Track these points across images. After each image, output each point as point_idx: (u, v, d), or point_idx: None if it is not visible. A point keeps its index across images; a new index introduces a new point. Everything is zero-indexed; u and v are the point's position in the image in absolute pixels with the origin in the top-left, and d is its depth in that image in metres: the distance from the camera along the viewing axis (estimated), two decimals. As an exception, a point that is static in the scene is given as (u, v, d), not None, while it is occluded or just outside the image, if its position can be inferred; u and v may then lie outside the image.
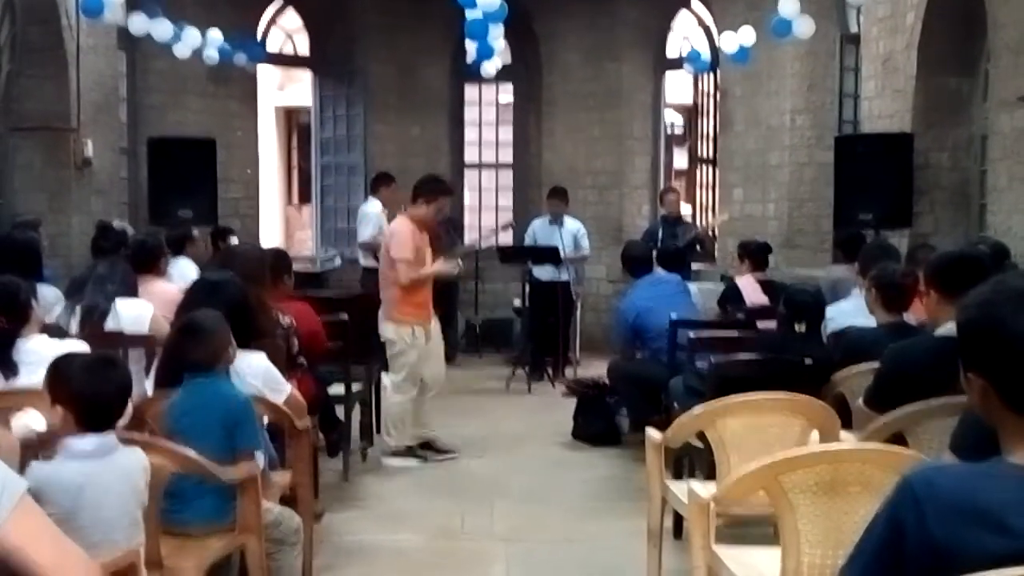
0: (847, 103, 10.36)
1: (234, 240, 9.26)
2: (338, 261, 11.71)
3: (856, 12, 9.79)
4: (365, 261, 10.37)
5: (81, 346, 4.16)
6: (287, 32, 13.46)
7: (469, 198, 13.71)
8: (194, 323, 3.93)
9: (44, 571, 1.83)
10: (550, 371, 9.90)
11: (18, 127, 8.69)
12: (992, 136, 7.35)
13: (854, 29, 10.00)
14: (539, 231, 10.37)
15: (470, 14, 8.52)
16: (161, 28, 9.44)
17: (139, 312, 5.35)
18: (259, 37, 12.55)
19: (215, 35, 10.30)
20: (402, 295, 6.88)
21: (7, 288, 4.11)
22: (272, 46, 13.15)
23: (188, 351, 3.86)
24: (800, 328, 5.02)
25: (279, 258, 5.90)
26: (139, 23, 9.31)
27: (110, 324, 5.38)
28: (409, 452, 7.03)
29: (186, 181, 9.85)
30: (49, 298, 5.36)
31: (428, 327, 7.03)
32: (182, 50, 9.89)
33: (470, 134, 13.56)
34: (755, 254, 8.07)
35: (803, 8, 9.03)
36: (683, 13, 12.82)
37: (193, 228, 8.99)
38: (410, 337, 6.90)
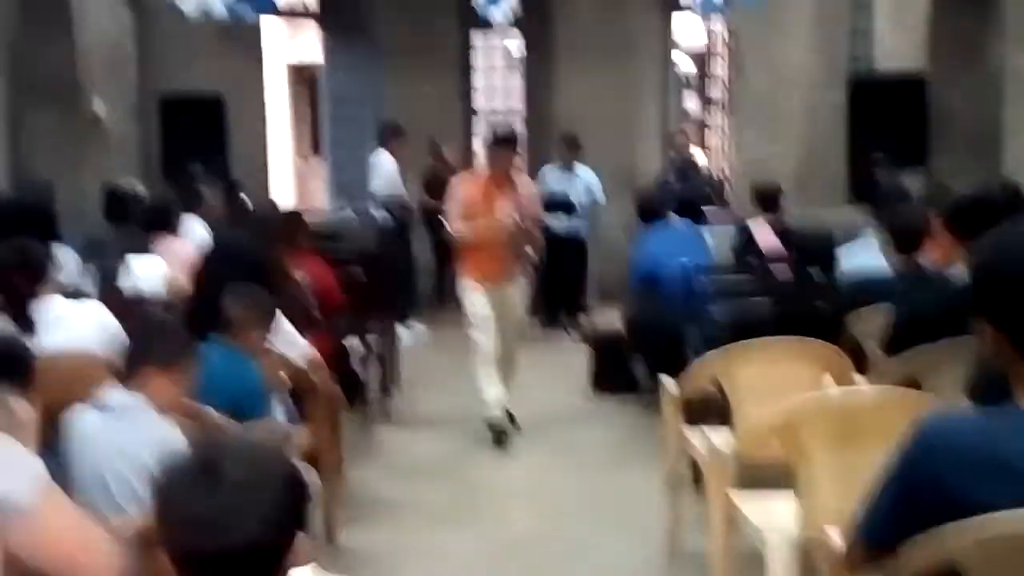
0: (860, 41, 10.23)
1: (244, 196, 9.24)
2: (351, 215, 11.70)
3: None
4: (378, 214, 10.32)
5: (100, 308, 4.20)
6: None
7: (479, 146, 13.65)
8: (243, 287, 3.93)
9: (71, 555, 1.85)
10: (565, 321, 9.92)
11: (27, 90, 8.67)
12: (1008, 74, 7.27)
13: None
14: (551, 179, 10.32)
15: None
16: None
17: (153, 270, 5.38)
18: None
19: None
20: (462, 248, 6.59)
21: (23, 249, 4.14)
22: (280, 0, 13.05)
23: (226, 302, 3.87)
24: (813, 273, 5.01)
25: (293, 220, 5.92)
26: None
27: (125, 283, 5.43)
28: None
29: (197, 138, 9.87)
30: (64, 260, 5.39)
31: (493, 289, 6.45)
32: (188, 6, 9.80)
33: (479, 82, 13.48)
34: (765, 197, 8.03)
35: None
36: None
37: (202, 186, 8.99)
38: (466, 289, 6.53)
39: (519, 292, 6.66)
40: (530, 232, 6.54)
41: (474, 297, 6.42)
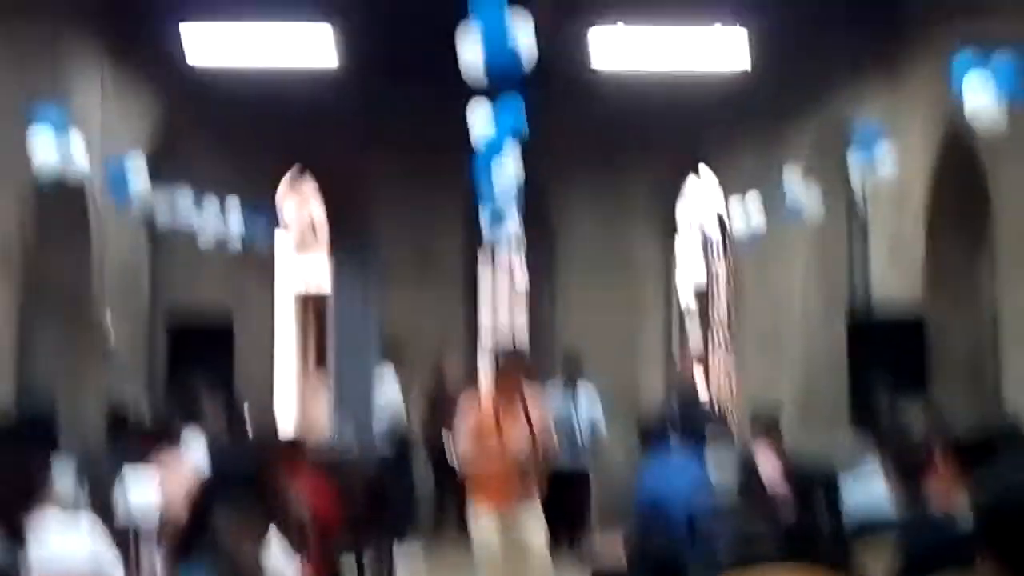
0: (858, 271, 10.43)
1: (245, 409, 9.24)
2: (351, 436, 11.64)
3: (863, 190, 9.98)
4: (381, 447, 10.27)
5: (91, 520, 4.15)
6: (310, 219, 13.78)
7: (484, 374, 13.74)
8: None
9: None
10: (568, 551, 9.73)
11: (39, 305, 8.79)
12: (1002, 312, 7.39)
13: (861, 207, 10.18)
14: (554, 401, 10.31)
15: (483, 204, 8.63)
16: (182, 203, 9.54)
17: (147, 491, 5.34)
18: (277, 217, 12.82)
19: (234, 218, 10.42)
20: (471, 473, 6.52)
21: (21, 461, 4.12)
22: (289, 215, 13.44)
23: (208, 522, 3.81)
24: (815, 508, 4.96)
25: (295, 448, 5.93)
26: (164, 210, 9.37)
27: (118, 496, 5.38)
28: None
29: (205, 361, 9.88)
30: (62, 473, 5.35)
31: (504, 515, 6.32)
32: (205, 237, 10.00)
33: (484, 313, 13.68)
34: (766, 428, 8.08)
35: (808, 181, 9.14)
36: (691, 178, 13.03)
37: (204, 400, 9.00)
38: (474, 520, 6.41)
39: (534, 517, 6.41)
40: (542, 457, 6.38)
41: (480, 523, 6.27)
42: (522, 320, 13.68)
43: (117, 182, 8.57)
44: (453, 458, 10.37)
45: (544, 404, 6.89)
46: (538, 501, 6.41)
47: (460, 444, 6.45)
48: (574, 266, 12.80)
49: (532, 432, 6.25)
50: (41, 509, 4.04)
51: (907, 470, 4.69)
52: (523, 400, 6.34)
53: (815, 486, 5.03)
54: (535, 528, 6.36)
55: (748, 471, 7.62)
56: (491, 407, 6.35)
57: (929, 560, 3.68)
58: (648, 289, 12.80)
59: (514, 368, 6.45)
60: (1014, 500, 1.80)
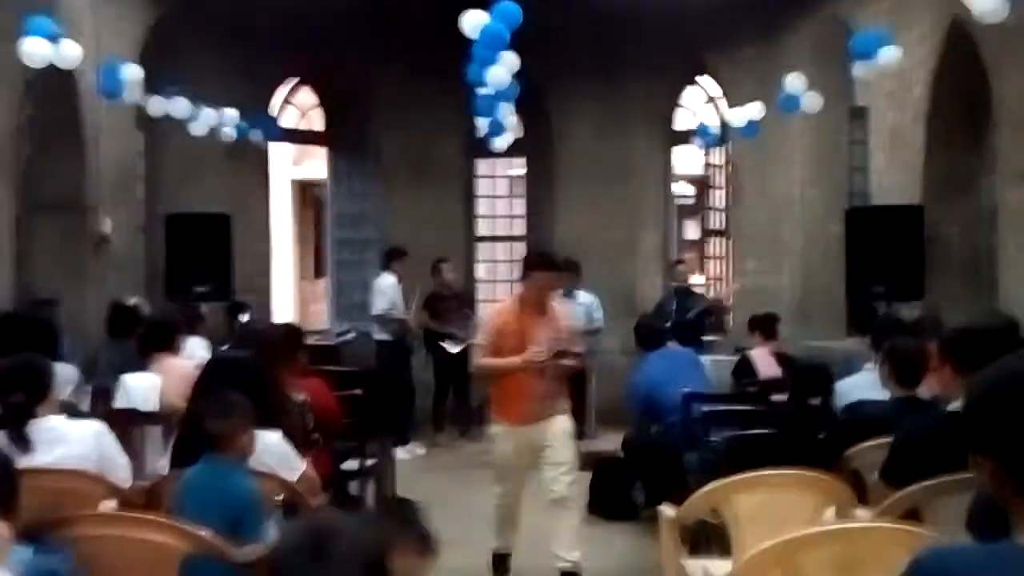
0: (857, 175, 10.43)
1: (244, 317, 9.32)
2: (352, 335, 11.76)
3: (863, 86, 9.89)
4: (379, 335, 10.43)
5: (99, 426, 4.20)
6: (302, 109, 13.66)
7: (481, 270, 13.80)
8: (216, 395, 3.96)
9: None
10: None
11: (37, 206, 8.80)
12: (1001, 208, 7.39)
13: (861, 102, 10.11)
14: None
15: (481, 91, 8.64)
16: (178, 107, 9.58)
17: (148, 386, 5.40)
18: (274, 114, 12.74)
19: (231, 113, 10.45)
20: (491, 387, 6.12)
21: (30, 365, 4.15)
22: (287, 122, 13.34)
23: (206, 422, 3.88)
24: (816, 402, 5.02)
25: (292, 334, 5.93)
26: (157, 104, 9.46)
27: (120, 400, 5.44)
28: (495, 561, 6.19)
29: (202, 257, 9.99)
30: (65, 376, 5.41)
31: (520, 433, 5.87)
32: (199, 128, 10.03)
33: (482, 208, 13.69)
34: (764, 325, 8.11)
35: (811, 82, 9.13)
36: (691, 88, 13.00)
37: (202, 305, 9.05)
38: (495, 436, 6.02)
39: (561, 430, 5.89)
40: (567, 366, 5.89)
41: (500, 445, 5.90)
42: (520, 223, 13.68)
43: (111, 85, 8.52)
44: (452, 356, 10.52)
45: (568, 312, 6.31)
46: (566, 417, 5.93)
47: (480, 353, 5.96)
48: (573, 171, 12.76)
49: (559, 341, 5.79)
50: (45, 412, 4.09)
51: (907, 373, 4.73)
52: (548, 309, 5.87)
53: (810, 387, 5.07)
54: (562, 441, 5.86)
55: (744, 370, 7.73)
56: (515, 317, 5.85)
57: (922, 458, 3.74)
58: (647, 193, 12.78)
59: (545, 270, 5.88)
60: (1006, 397, 1.82)
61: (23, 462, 3.80)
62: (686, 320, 9.91)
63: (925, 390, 4.82)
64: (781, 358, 7.85)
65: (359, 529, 2.03)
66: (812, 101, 9.16)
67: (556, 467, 5.78)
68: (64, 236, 8.96)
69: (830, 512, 4.01)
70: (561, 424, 5.87)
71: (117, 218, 9.56)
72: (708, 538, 5.08)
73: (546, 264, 5.92)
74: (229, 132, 10.48)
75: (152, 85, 9.47)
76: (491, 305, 6.81)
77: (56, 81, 8.43)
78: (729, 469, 4.28)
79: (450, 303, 10.79)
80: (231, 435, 3.86)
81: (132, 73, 8.58)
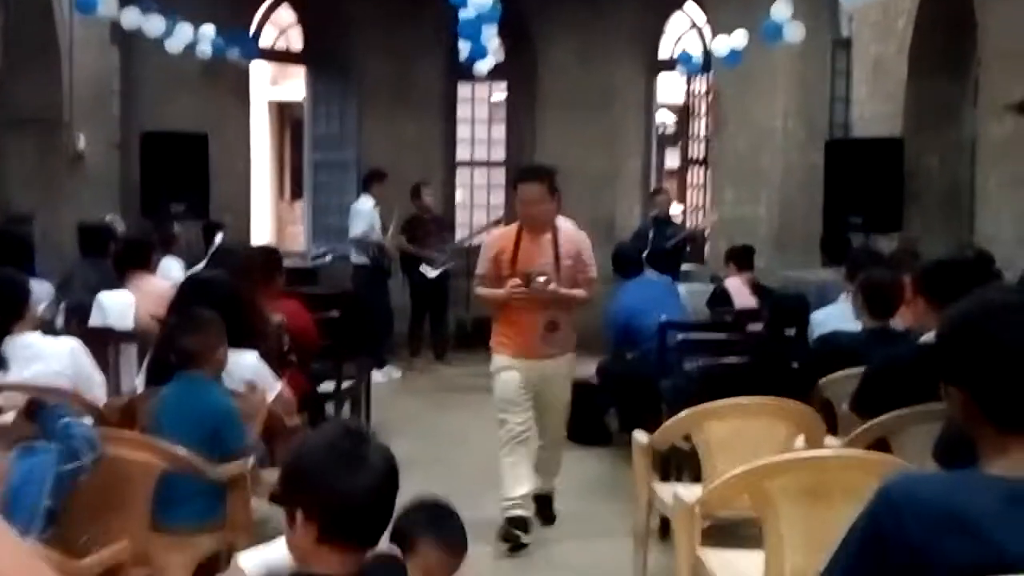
0: (839, 106, 10.40)
1: (220, 237, 9.27)
2: (329, 257, 11.74)
3: (848, 16, 9.83)
4: (356, 258, 10.41)
5: (75, 343, 4.19)
6: (281, 28, 13.46)
7: (461, 195, 13.75)
8: (187, 313, 3.96)
9: None
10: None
11: (11, 121, 8.69)
12: (981, 142, 7.40)
13: (846, 33, 10.05)
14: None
15: (463, 13, 8.54)
16: (154, 23, 9.43)
17: (123, 304, 5.38)
18: (252, 32, 12.55)
19: (208, 30, 10.30)
20: (494, 316, 5.53)
21: (7, 280, 4.13)
22: (265, 41, 13.15)
23: (179, 339, 3.88)
24: (788, 332, 5.07)
25: (269, 255, 5.92)
26: (132, 18, 9.30)
27: (95, 319, 5.43)
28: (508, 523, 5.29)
29: (178, 175, 9.93)
30: (40, 293, 5.38)
31: (529, 366, 5.35)
32: (175, 45, 9.88)
33: (462, 132, 13.59)
34: (740, 256, 8.16)
35: (795, 12, 9.05)
36: (677, 15, 12.88)
37: (176, 225, 9.00)
38: (495, 369, 5.44)
39: (563, 370, 5.49)
40: (567, 296, 5.27)
41: (503, 376, 5.35)
42: (500, 149, 13.60)
43: (87, 1, 8.36)
44: (429, 280, 10.52)
45: (579, 234, 5.55)
46: (569, 358, 5.52)
47: (477, 282, 5.46)
48: (555, 97, 12.66)
49: (560, 267, 5.24)
50: (22, 329, 4.08)
51: (880, 305, 4.76)
52: (553, 230, 5.28)
53: (786, 317, 5.11)
54: (561, 384, 5.53)
55: (720, 299, 7.77)
56: (513, 241, 5.29)
57: (893, 389, 3.78)
58: (629, 121, 12.72)
59: (531, 182, 5.24)
60: (977, 329, 1.84)
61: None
62: (664, 248, 9.92)
63: (899, 322, 4.86)
64: (756, 288, 7.91)
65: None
66: (795, 31, 9.10)
67: (549, 412, 5.52)
68: (38, 152, 8.87)
69: (800, 440, 4.07)
70: (562, 366, 5.46)
71: (92, 135, 9.46)
72: (680, 464, 5.16)
73: (524, 175, 5.36)
74: (205, 49, 10.34)
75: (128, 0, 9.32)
76: (487, 234, 6.29)
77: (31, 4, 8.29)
78: (702, 396, 4.33)
79: (429, 227, 10.76)
80: (204, 351, 3.86)
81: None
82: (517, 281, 5.13)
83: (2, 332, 4.00)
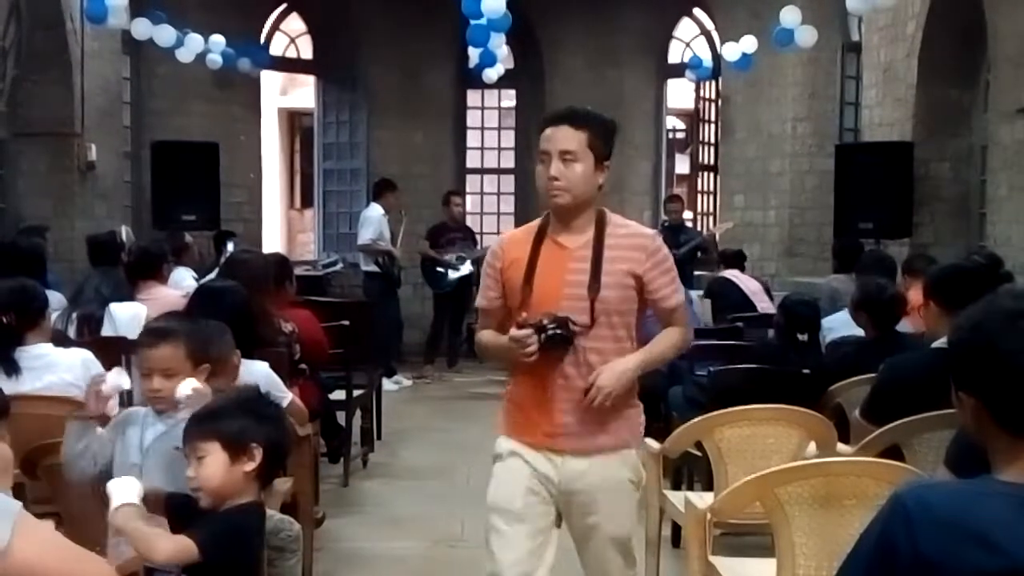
0: (848, 111, 10.39)
1: (231, 246, 9.29)
2: (340, 265, 11.76)
3: (857, 21, 9.82)
4: (366, 265, 10.41)
5: (87, 354, 4.20)
6: (291, 37, 13.50)
7: (471, 203, 13.76)
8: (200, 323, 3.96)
9: None
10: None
11: (23, 132, 8.73)
12: (992, 147, 7.38)
13: (855, 38, 10.04)
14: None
15: (474, 22, 8.55)
16: (164, 33, 9.47)
17: (134, 313, 5.39)
18: (262, 42, 12.59)
19: (218, 40, 10.34)
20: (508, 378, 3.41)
21: (24, 290, 4.15)
22: (275, 50, 13.19)
23: None
24: (800, 338, 5.05)
25: (281, 264, 5.92)
26: (143, 28, 9.35)
27: (107, 329, 5.44)
28: None
29: (189, 185, 9.95)
30: (52, 304, 5.39)
31: (541, 460, 3.20)
32: (185, 55, 9.93)
33: (472, 140, 13.61)
34: (731, 258, 8.29)
35: (805, 17, 9.06)
36: (685, 21, 12.89)
37: (187, 235, 9.04)
38: (495, 456, 3.35)
39: (615, 477, 3.21)
40: (646, 360, 3.19)
41: (501, 467, 3.29)
42: (510, 156, 13.61)
43: (97, 9, 8.40)
44: (449, 290, 10.51)
45: (648, 240, 3.25)
46: (627, 456, 3.24)
47: (477, 319, 3.54)
48: (564, 103, 12.57)
49: (599, 296, 3.09)
50: (36, 339, 4.09)
51: (876, 316, 4.75)
52: (597, 223, 3.20)
53: (799, 323, 5.10)
54: (612, 507, 3.22)
55: (727, 290, 7.77)
56: (530, 242, 3.23)
57: (904, 396, 3.77)
58: (639, 127, 12.71)
59: (572, 133, 3.19)
60: (988, 335, 1.83)
61: (11, 387, 3.82)
62: (675, 255, 9.90)
63: (909, 326, 4.85)
64: (760, 280, 8.02)
65: None
66: (806, 35, 9.10)
67: (591, 551, 3.29)
68: (50, 162, 8.90)
69: (812, 447, 4.06)
70: (615, 469, 3.20)
71: (103, 145, 9.49)
72: (691, 471, 5.15)
73: (554, 117, 3.27)
74: (215, 59, 10.38)
75: (139, 10, 9.36)
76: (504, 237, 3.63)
77: (41, 5, 8.32)
78: (714, 403, 4.32)
79: (454, 236, 10.75)
80: (217, 361, 3.86)
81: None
82: (526, 331, 3.01)
83: (16, 340, 4.01)
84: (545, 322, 3.00)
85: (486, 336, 3.34)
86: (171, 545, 2.61)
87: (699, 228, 12.54)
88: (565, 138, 3.18)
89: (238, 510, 2.69)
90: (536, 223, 3.30)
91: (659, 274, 3.19)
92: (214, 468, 2.66)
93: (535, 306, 3.09)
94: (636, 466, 3.26)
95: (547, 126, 3.24)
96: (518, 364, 3.15)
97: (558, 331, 3.00)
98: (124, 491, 2.69)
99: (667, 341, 3.28)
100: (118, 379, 3.08)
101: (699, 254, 10.61)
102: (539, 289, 3.14)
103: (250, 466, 2.68)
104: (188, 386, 3.13)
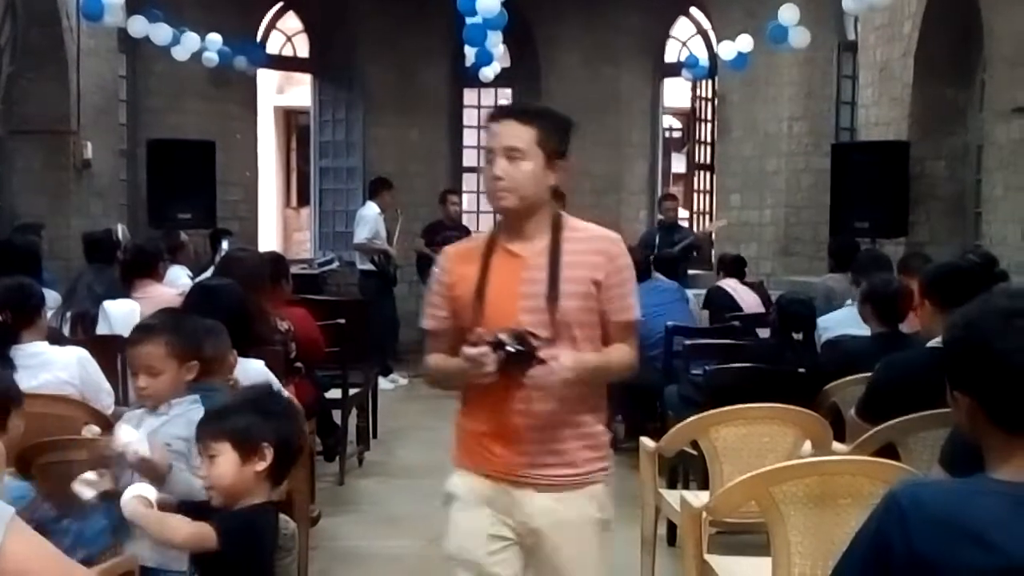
0: (844, 110, 10.40)
1: (227, 244, 9.28)
2: (336, 264, 11.75)
3: (854, 20, 9.83)
4: (362, 264, 10.41)
5: (83, 352, 4.20)
6: (287, 35, 13.49)
7: (467, 201, 13.75)
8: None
9: None
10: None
11: (18, 130, 8.72)
12: (988, 146, 7.39)
13: (851, 37, 10.05)
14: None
15: (470, 20, 8.55)
16: (161, 31, 9.47)
17: (129, 311, 5.39)
18: (259, 40, 12.58)
19: (215, 38, 10.33)
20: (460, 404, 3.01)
21: (21, 288, 4.15)
22: (272, 49, 13.18)
23: None
24: (795, 337, 5.06)
25: (277, 263, 5.91)
26: (139, 26, 9.34)
27: (102, 327, 5.44)
28: None
29: (185, 183, 9.94)
30: (48, 302, 5.39)
31: (499, 495, 2.88)
32: (181, 53, 9.91)
33: (468, 138, 13.60)
34: (730, 266, 8.21)
35: (801, 16, 9.06)
36: (682, 20, 12.90)
37: (183, 233, 9.02)
38: (447, 496, 3.05)
39: (580, 513, 2.91)
40: (600, 366, 2.87)
41: (458, 517, 2.99)
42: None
43: (93, 6, 8.38)
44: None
45: (610, 244, 2.94)
46: (595, 492, 2.94)
47: (428, 341, 3.03)
48: (560, 102, 12.63)
49: (558, 306, 2.77)
50: (32, 338, 4.09)
51: (888, 311, 4.75)
52: (553, 228, 2.89)
53: (794, 322, 5.10)
54: (575, 546, 2.91)
55: (723, 300, 7.77)
56: (481, 251, 2.92)
57: (899, 395, 3.78)
58: (635, 126, 12.73)
59: (519, 129, 2.89)
60: (983, 334, 1.83)
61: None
62: (670, 253, 9.91)
63: (906, 327, 4.86)
64: (757, 290, 7.95)
65: None
66: (800, 35, 9.10)
67: None
68: (46, 160, 8.89)
69: (807, 446, 4.06)
70: (577, 505, 2.90)
71: (99, 143, 9.48)
72: (687, 470, 5.15)
73: (501, 111, 3.04)
74: (212, 57, 10.37)
75: (134, 8, 9.34)
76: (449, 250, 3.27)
77: (37, 2, 8.31)
78: (709, 402, 4.33)
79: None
80: (213, 360, 3.85)
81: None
82: (482, 349, 2.64)
83: (12, 338, 4.01)
84: (503, 338, 2.63)
85: (435, 360, 2.97)
86: (189, 527, 2.64)
87: (695, 227, 12.55)
88: (511, 134, 2.89)
89: (251, 509, 2.70)
90: (485, 234, 3.04)
91: (619, 283, 2.89)
92: (225, 467, 2.66)
93: (490, 322, 2.74)
94: (604, 503, 2.94)
95: (493, 122, 2.95)
96: (472, 387, 2.82)
97: (518, 347, 2.63)
98: (138, 489, 2.74)
99: (620, 355, 2.92)
100: (127, 436, 3.02)
101: (693, 253, 10.61)
102: (493, 303, 2.81)
103: (261, 465, 2.68)
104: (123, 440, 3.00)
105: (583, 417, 2.89)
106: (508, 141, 2.87)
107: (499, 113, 3.01)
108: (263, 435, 2.68)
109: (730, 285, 7.95)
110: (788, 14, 9.03)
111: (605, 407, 3.00)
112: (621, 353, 2.92)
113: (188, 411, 3.18)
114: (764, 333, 6.11)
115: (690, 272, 10.59)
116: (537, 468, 2.82)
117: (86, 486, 2.98)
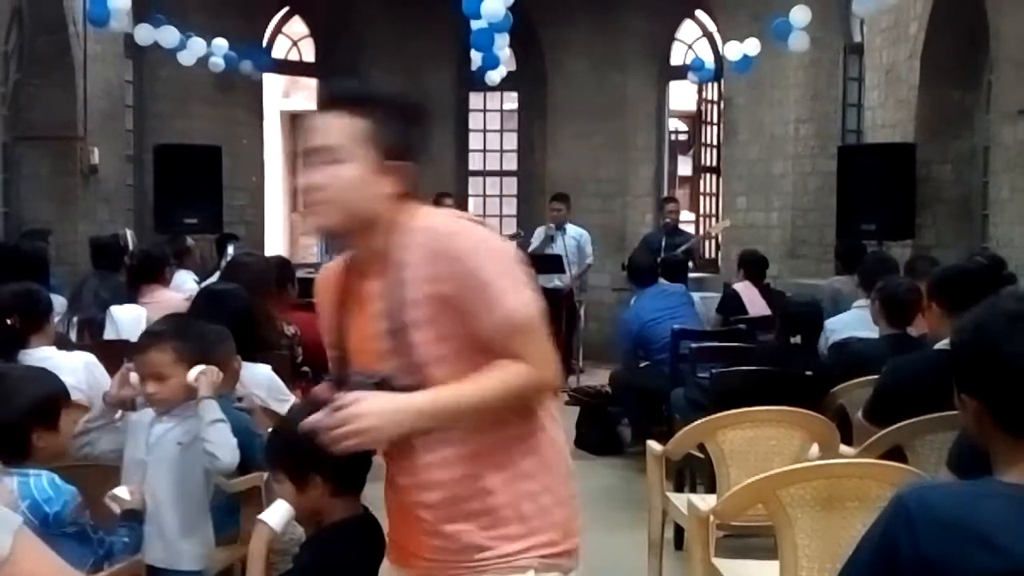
0: (851, 113, 10.38)
1: (231, 249, 9.28)
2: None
3: (859, 22, 9.81)
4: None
5: (90, 357, 4.20)
6: (293, 39, 13.51)
7: (473, 205, 13.77)
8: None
9: None
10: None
11: (25, 136, 8.74)
12: (994, 148, 7.38)
13: (857, 39, 10.03)
14: (542, 240, 10.35)
15: (475, 24, 8.56)
16: (167, 36, 9.48)
17: (135, 316, 5.40)
18: (265, 45, 12.60)
19: (221, 43, 10.35)
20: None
21: (30, 293, 4.16)
22: (278, 53, 13.20)
23: None
24: (798, 340, 5.05)
25: (283, 267, 5.92)
26: (145, 32, 9.36)
27: (109, 332, 5.45)
28: None
29: (191, 188, 9.96)
30: (55, 308, 5.40)
31: None
32: (188, 58, 9.93)
33: (475, 142, 13.62)
34: (751, 266, 8.14)
35: (807, 18, 9.03)
36: (687, 23, 12.89)
37: (189, 238, 9.04)
38: None
39: None
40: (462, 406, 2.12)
41: None
42: (512, 158, 13.62)
43: (99, 12, 8.41)
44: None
45: (453, 234, 2.16)
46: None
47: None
48: (566, 105, 12.68)
49: (408, 333, 2.12)
50: (39, 343, 4.09)
51: (898, 313, 4.75)
52: (393, 245, 2.16)
53: (800, 325, 5.09)
54: None
55: (733, 305, 7.76)
56: (337, 282, 2.34)
57: (906, 397, 3.77)
58: (641, 129, 12.72)
59: (333, 123, 2.20)
60: (990, 337, 1.83)
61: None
62: (676, 257, 9.90)
63: (914, 330, 4.85)
64: (768, 293, 7.92)
65: None
66: (800, 40, 9.07)
67: None
68: (52, 166, 8.91)
69: (814, 449, 4.06)
70: None
71: (106, 148, 9.51)
72: (694, 473, 5.14)
73: (318, 105, 2.79)
74: (218, 62, 10.39)
75: (141, 14, 9.36)
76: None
77: (44, 8, 8.33)
78: (716, 405, 4.32)
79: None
80: (219, 365, 3.85)
81: (120, 1, 8.46)
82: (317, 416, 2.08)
83: (20, 343, 4.01)
84: (352, 376, 2.17)
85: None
86: None
87: (700, 230, 12.54)
88: (328, 129, 2.18)
89: (334, 528, 2.60)
90: (340, 262, 2.37)
91: (475, 285, 2.08)
92: (288, 496, 2.61)
93: (354, 363, 2.24)
94: None
95: (311, 115, 2.29)
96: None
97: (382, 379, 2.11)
98: (271, 514, 2.66)
99: (501, 376, 2.11)
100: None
101: (690, 261, 10.60)
102: (353, 342, 2.26)
103: (316, 491, 2.54)
104: (195, 372, 3.23)
105: (481, 483, 2.18)
106: (323, 139, 2.18)
107: (319, 103, 2.47)
108: (310, 466, 2.50)
109: (744, 290, 7.91)
110: (799, 15, 9.00)
111: (533, 454, 2.27)
112: (503, 373, 2.10)
113: (195, 416, 3.23)
114: (769, 336, 6.11)
115: (696, 275, 10.59)
116: (434, 545, 2.23)
117: (114, 502, 3.01)
